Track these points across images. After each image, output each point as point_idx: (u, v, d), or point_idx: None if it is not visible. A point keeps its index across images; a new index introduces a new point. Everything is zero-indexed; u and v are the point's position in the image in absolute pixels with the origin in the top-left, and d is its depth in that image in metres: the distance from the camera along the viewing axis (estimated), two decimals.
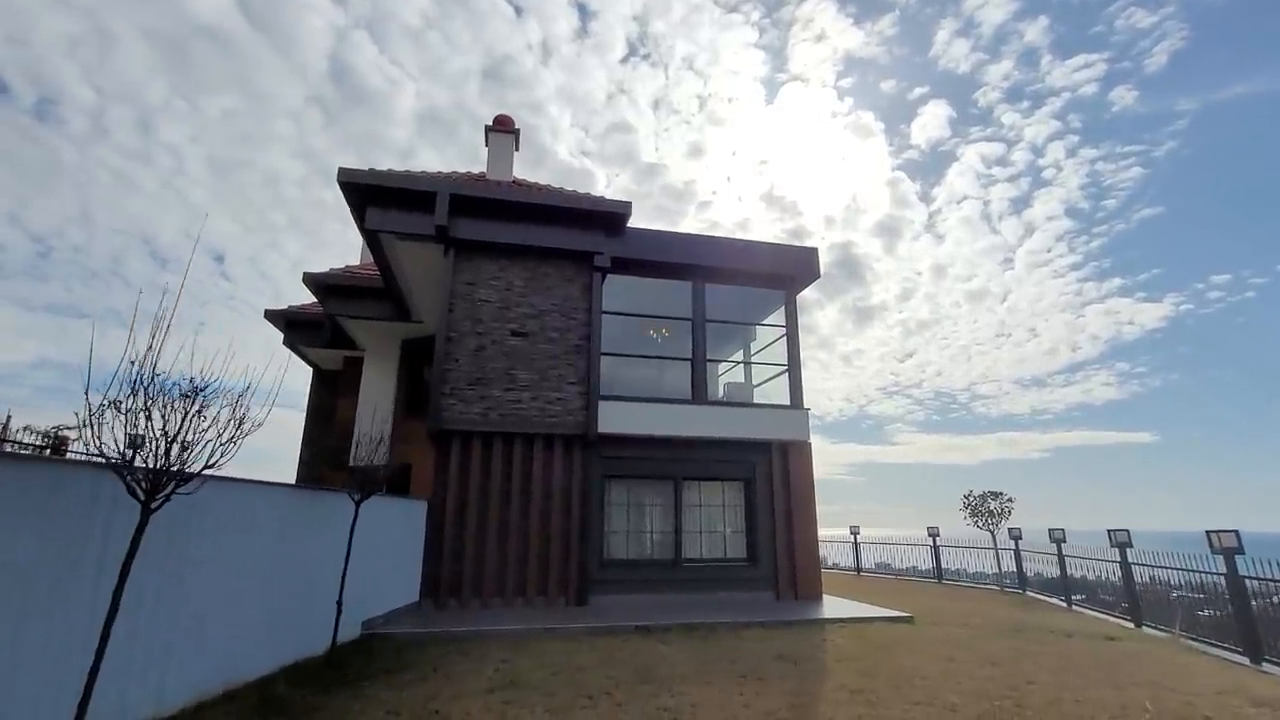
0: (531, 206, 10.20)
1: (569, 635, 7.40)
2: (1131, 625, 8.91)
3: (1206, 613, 7.82)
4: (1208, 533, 7.19)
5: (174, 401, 3.18)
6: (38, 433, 9.44)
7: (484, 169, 11.67)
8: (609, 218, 10.43)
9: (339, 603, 5.73)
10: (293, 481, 15.72)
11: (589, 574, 9.57)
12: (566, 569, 9.50)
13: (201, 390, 3.31)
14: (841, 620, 8.55)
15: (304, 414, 16.66)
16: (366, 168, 9.67)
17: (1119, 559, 9.26)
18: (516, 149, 11.96)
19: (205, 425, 3.37)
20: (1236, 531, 6.97)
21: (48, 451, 9.31)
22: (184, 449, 3.27)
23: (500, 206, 10.12)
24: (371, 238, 9.99)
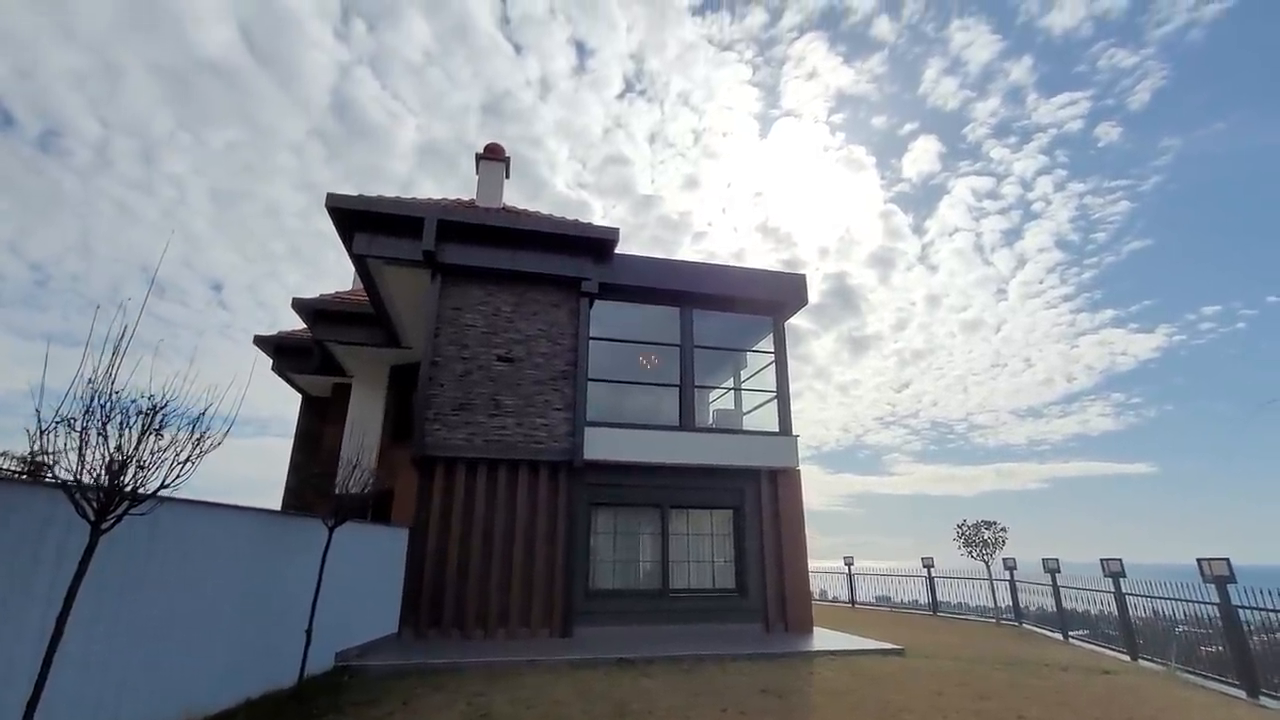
0: (519, 232, 10.26)
1: (550, 668, 7.18)
2: (1128, 658, 8.70)
3: (1211, 649, 7.58)
4: (1199, 560, 7.08)
5: (129, 420, 3.11)
6: (15, 458, 9.29)
7: (476, 193, 11.76)
8: (597, 244, 10.49)
9: (308, 632, 5.55)
10: (278, 509, 15.50)
11: (574, 604, 9.34)
12: (551, 599, 9.28)
13: (160, 408, 3.25)
14: (831, 652, 8.33)
15: (292, 442, 16.51)
16: (357, 194, 9.76)
17: (1113, 589, 9.09)
18: (507, 176, 12.09)
19: (163, 445, 3.30)
20: (1228, 559, 6.86)
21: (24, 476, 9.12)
22: (140, 469, 3.20)
23: (488, 232, 10.17)
24: (359, 263, 10.01)
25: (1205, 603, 7.38)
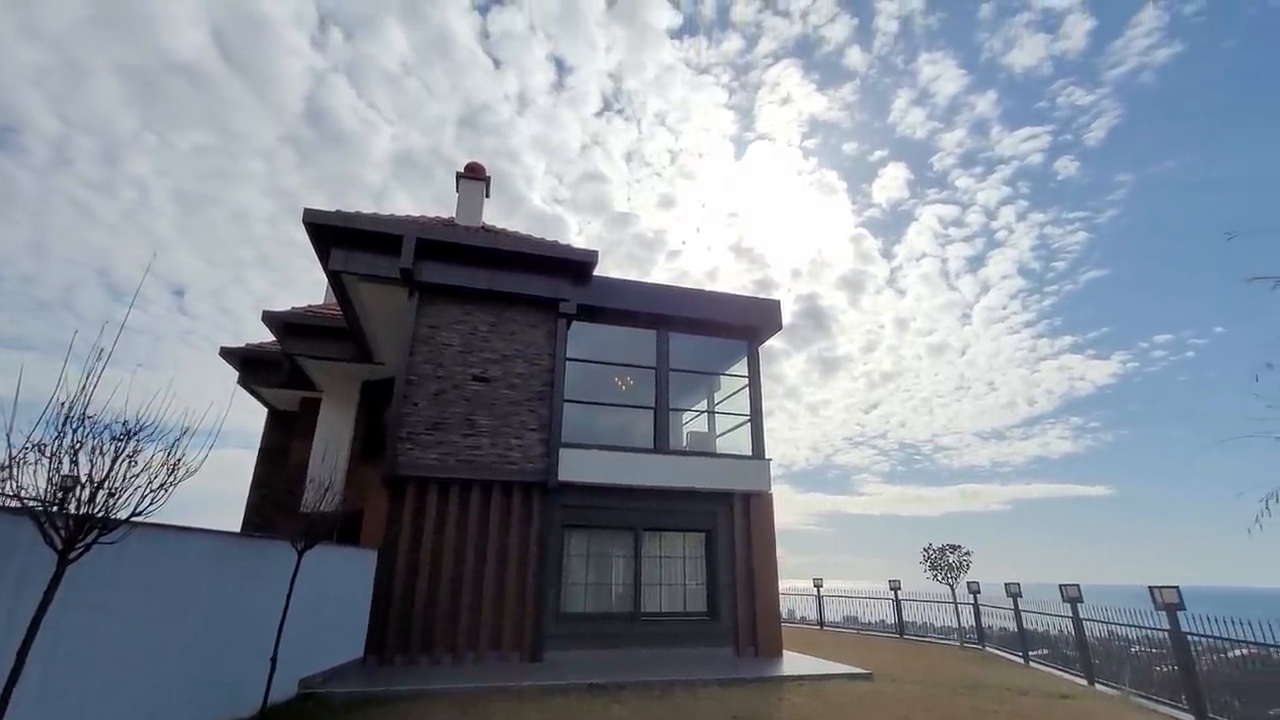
0: (498, 253, 10.29)
1: (519, 694, 7.10)
2: (1085, 682, 8.95)
3: (1165, 668, 7.85)
4: (1151, 588, 7.37)
5: (103, 445, 3.06)
6: None
7: (456, 212, 11.77)
8: (576, 266, 10.58)
9: (273, 660, 5.42)
10: (239, 525, 15.02)
11: (545, 628, 9.26)
12: (521, 623, 9.18)
13: (134, 433, 3.20)
14: (800, 677, 8.40)
15: (256, 455, 16.08)
16: (337, 208, 9.70)
17: (1070, 614, 9.37)
18: (487, 196, 12.14)
19: (136, 470, 3.25)
20: (1177, 588, 7.16)
21: None
22: (111, 495, 3.14)
23: (467, 251, 10.19)
24: (335, 278, 9.92)
25: (1157, 629, 7.67)
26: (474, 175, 11.75)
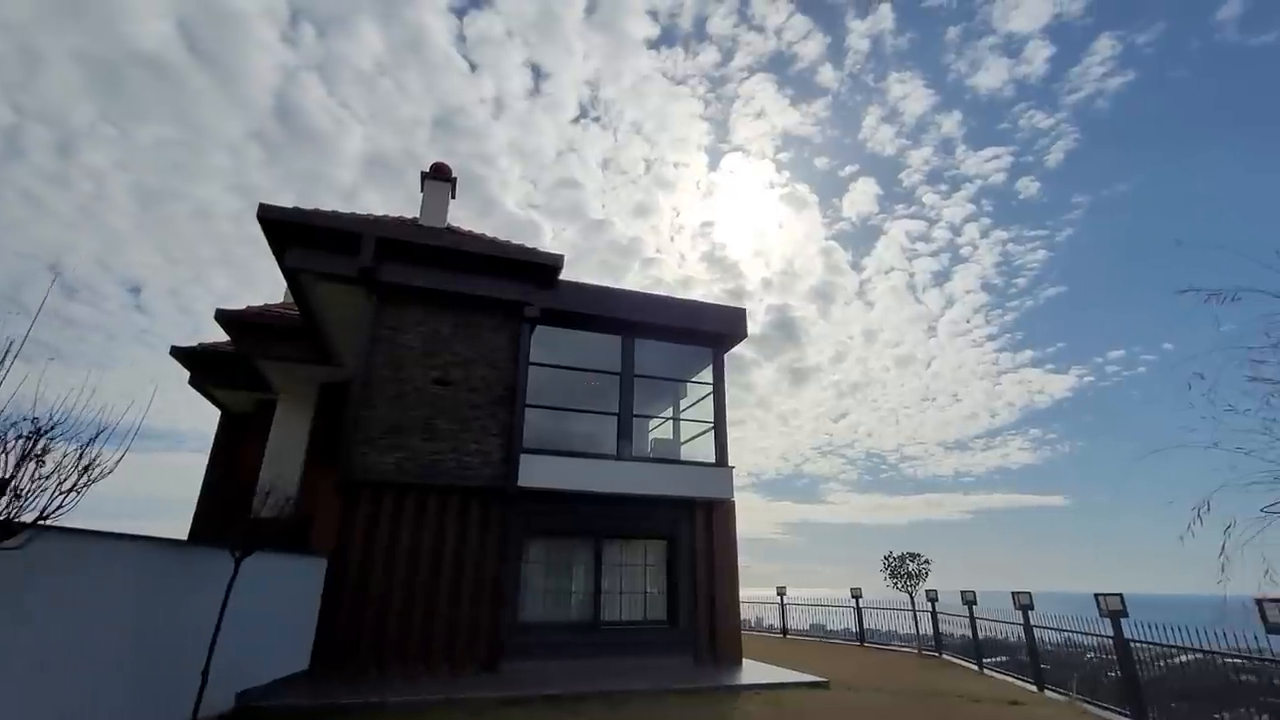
0: (462, 254, 10.13)
1: (473, 707, 6.91)
2: (1035, 689, 9.12)
3: (1114, 673, 8.01)
4: (1096, 595, 7.55)
5: (5, 443, 2.86)
6: None
7: (420, 212, 11.50)
8: (541, 269, 10.47)
9: (204, 673, 5.16)
10: (183, 536, 14.42)
11: (502, 638, 9.06)
12: (477, 633, 8.96)
13: (44, 432, 3.01)
14: (758, 686, 8.37)
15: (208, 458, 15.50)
16: (302, 206, 9.44)
17: (1022, 621, 9.55)
18: (453, 196, 11.94)
19: (46, 472, 3.05)
20: (1121, 595, 7.34)
21: None
22: (17, 497, 2.94)
23: (430, 252, 10.00)
24: (292, 277, 9.65)
25: (1102, 635, 7.86)
26: (439, 175, 11.55)
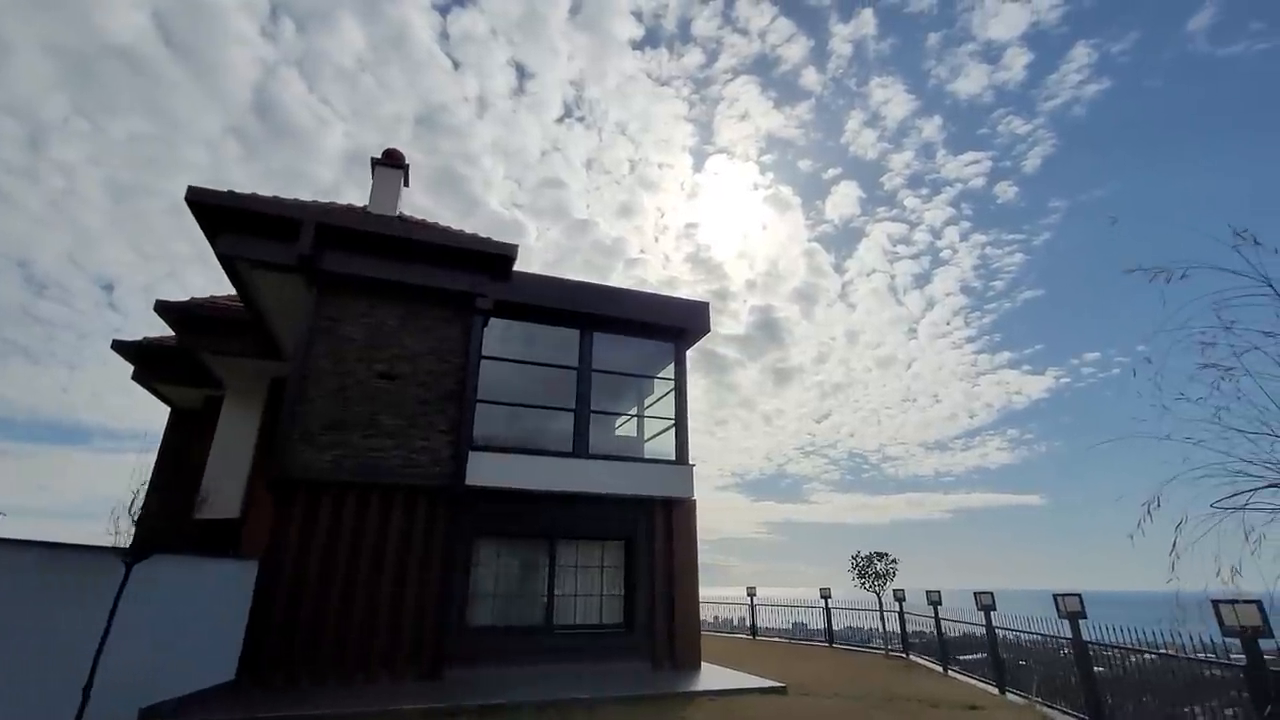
0: (410, 243, 9.68)
1: (397, 718, 6.50)
2: (997, 691, 8.90)
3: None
4: (1055, 596, 7.33)
5: None
6: None
7: (369, 200, 11.00)
8: (494, 259, 10.05)
9: (86, 689, 4.70)
10: (129, 538, 13.81)
11: (446, 645, 8.64)
12: (420, 639, 8.54)
13: None
14: (712, 692, 8.06)
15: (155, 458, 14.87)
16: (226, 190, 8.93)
17: (984, 622, 9.34)
18: (406, 184, 11.48)
19: None
20: (1079, 595, 7.13)
21: None
22: None
23: (376, 240, 9.55)
24: (228, 266, 9.15)
25: (1060, 637, 7.64)
26: (390, 162, 11.09)
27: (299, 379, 8.84)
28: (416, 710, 6.68)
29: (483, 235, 10.42)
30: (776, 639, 16.17)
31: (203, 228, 8.88)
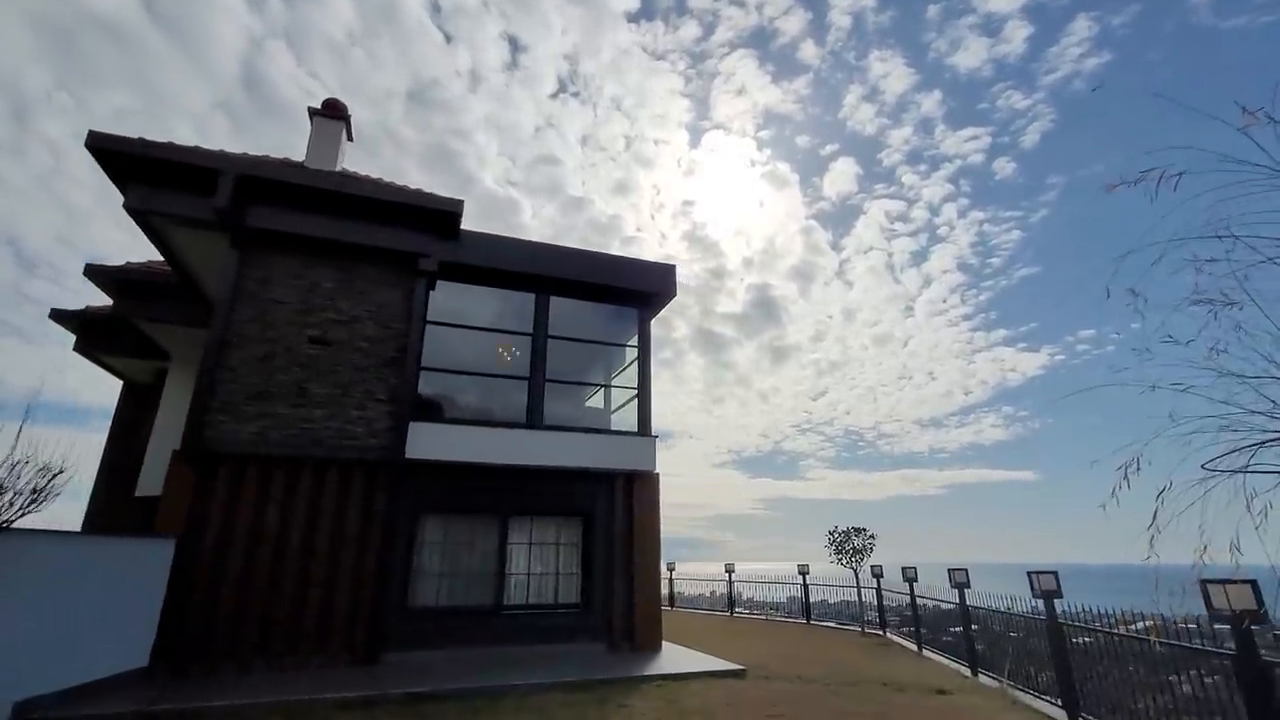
0: (346, 198, 8.92)
1: (300, 712, 5.94)
2: (969, 674, 8.43)
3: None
4: (1029, 574, 6.79)
5: None
6: None
7: (306, 154, 10.17)
8: (439, 216, 9.30)
9: None
10: (81, 519, 13.21)
11: (385, 627, 8.11)
12: (354, 622, 7.99)
13: None
14: (665, 676, 7.54)
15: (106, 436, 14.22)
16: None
17: (958, 601, 8.84)
18: (350, 139, 10.66)
19: None
20: (1055, 573, 6.59)
21: None
22: None
23: (308, 195, 8.79)
24: (143, 222, 8.40)
25: (1035, 617, 7.12)
26: (331, 113, 10.26)
27: (218, 345, 8.14)
28: (332, 699, 6.13)
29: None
30: (755, 616, 15.78)
31: (112, 179, 8.11)
